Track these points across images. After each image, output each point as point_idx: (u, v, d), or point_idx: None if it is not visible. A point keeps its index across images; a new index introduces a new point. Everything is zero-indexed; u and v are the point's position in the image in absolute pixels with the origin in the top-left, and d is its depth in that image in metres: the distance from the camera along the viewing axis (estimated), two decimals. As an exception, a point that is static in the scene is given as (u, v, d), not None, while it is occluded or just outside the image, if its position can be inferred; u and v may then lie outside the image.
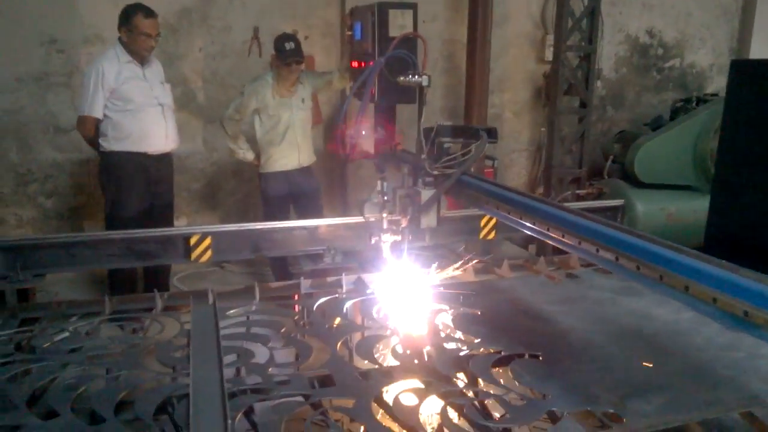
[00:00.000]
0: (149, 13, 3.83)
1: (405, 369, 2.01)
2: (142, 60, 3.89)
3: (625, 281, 2.86)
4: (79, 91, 4.01)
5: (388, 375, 1.97)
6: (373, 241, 2.78)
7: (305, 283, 2.84)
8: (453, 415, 1.74)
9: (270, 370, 1.97)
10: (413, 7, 3.13)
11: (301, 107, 4.32)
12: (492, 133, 2.57)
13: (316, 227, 3.53)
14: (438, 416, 1.73)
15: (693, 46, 6.67)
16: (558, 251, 3.92)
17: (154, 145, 3.95)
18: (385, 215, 2.73)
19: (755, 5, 6.65)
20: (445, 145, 2.56)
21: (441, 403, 1.78)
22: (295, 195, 4.43)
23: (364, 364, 2.06)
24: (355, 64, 3.70)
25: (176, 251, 3.30)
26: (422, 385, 1.88)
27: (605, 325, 2.34)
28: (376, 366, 2.05)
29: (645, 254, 1.56)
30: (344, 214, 5.22)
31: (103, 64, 3.76)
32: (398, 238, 2.70)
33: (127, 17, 3.80)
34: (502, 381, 1.91)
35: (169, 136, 4.01)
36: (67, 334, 2.26)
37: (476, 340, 2.21)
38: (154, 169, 4.00)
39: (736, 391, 1.88)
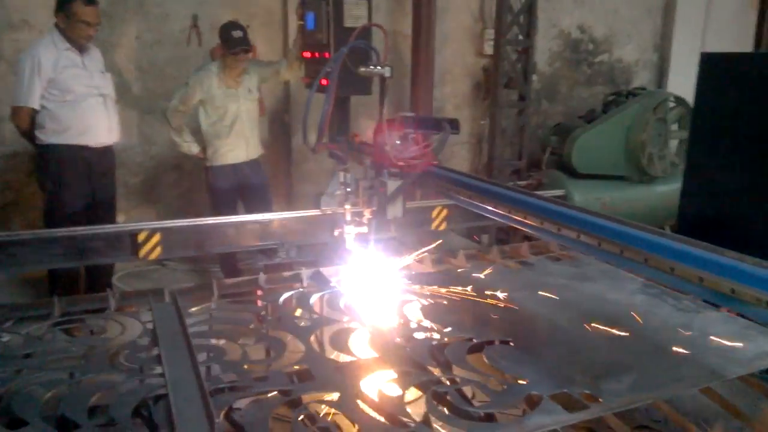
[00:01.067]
0: (90, 0, 3.62)
1: (381, 360, 2.01)
2: (80, 48, 3.67)
3: (578, 267, 2.98)
4: (13, 80, 3.74)
5: (365, 367, 1.96)
6: (336, 233, 2.75)
7: (263, 278, 2.78)
8: (435, 403, 1.75)
9: (245, 366, 1.93)
10: (367, -4, 3.14)
11: (248, 98, 4.21)
12: (454, 124, 2.59)
13: (269, 221, 3.47)
14: (423, 404, 1.74)
15: (620, 42, 6.98)
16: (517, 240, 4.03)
17: (95, 137, 3.75)
18: (347, 207, 2.71)
19: (676, 3, 7.03)
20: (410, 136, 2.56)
21: (421, 392, 1.79)
22: (243, 188, 4.32)
23: (339, 357, 2.04)
24: (307, 54, 3.65)
25: (123, 249, 3.15)
26: (400, 376, 1.88)
27: (566, 310, 2.41)
28: (353, 358, 2.03)
29: (627, 238, 1.62)
30: (290, 207, 5.14)
31: (39, 51, 3.52)
32: (362, 229, 2.69)
33: (65, 2, 3.57)
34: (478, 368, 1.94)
35: (112, 128, 3.81)
36: (19, 338, 2.12)
37: (446, 329, 2.23)
38: (96, 163, 3.80)
39: (696, 368, 1.98)
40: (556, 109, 6.75)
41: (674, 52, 7.26)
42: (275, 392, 1.77)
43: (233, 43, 4.02)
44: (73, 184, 3.70)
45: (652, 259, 1.53)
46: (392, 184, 2.51)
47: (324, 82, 3.38)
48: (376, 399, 1.76)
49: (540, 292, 2.55)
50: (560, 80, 6.72)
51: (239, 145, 4.23)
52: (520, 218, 2.15)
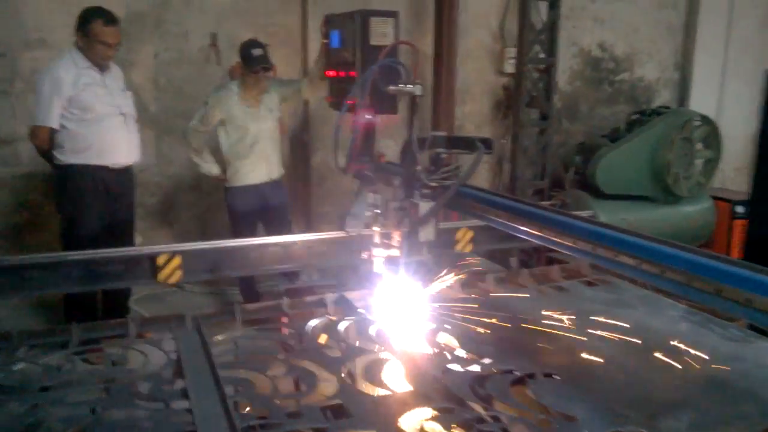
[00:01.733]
0: (110, 20, 3.55)
1: (418, 394, 1.88)
2: (101, 66, 3.60)
3: (614, 293, 2.85)
4: (32, 100, 3.67)
5: (402, 402, 1.84)
6: (365, 256, 2.65)
7: (287, 303, 2.68)
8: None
9: (276, 401, 1.81)
10: (395, 15, 3.04)
11: (269, 117, 4.13)
12: (487, 144, 2.50)
13: (291, 243, 3.37)
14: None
15: (641, 61, 6.89)
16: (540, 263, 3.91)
17: (115, 158, 3.66)
18: (376, 229, 2.61)
19: (697, 22, 6.95)
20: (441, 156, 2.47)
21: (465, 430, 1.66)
22: (263, 210, 4.22)
23: (374, 391, 1.92)
24: (331, 73, 3.57)
25: (142, 272, 3.04)
26: (440, 412, 1.76)
27: (607, 339, 2.28)
28: (388, 392, 1.91)
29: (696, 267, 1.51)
30: (309, 228, 5.05)
31: (59, 70, 3.46)
32: (392, 252, 2.58)
33: (85, 22, 3.50)
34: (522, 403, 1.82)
35: (132, 148, 3.72)
36: (36, 368, 2.02)
37: (485, 360, 2.11)
38: (115, 184, 3.71)
39: (758, 405, 1.85)
40: (577, 128, 6.64)
41: (696, 70, 7.16)
42: (309, 430, 1.66)
43: (253, 62, 3.95)
44: (92, 205, 3.61)
45: (726, 291, 1.41)
46: (424, 206, 2.41)
47: (351, 101, 3.32)
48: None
49: (577, 319, 2.41)
50: (581, 99, 6.63)
51: (260, 165, 4.14)
52: (563, 240, 2.04)
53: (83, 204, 3.60)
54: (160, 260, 3.07)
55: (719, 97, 7.35)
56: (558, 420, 1.73)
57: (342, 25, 3.26)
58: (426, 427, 1.69)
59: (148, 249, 3.07)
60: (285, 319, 2.59)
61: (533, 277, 3.11)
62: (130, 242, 3.83)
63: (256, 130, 4.08)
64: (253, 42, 4.09)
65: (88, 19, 3.52)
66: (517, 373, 2.00)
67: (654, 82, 7.05)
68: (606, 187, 5.40)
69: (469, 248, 3.93)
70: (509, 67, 5.88)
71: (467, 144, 2.50)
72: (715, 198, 6.09)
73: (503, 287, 2.98)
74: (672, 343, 2.21)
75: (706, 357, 2.11)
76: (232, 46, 4.90)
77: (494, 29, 5.92)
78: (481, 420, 1.70)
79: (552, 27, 5.27)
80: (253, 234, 4.13)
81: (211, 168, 4.17)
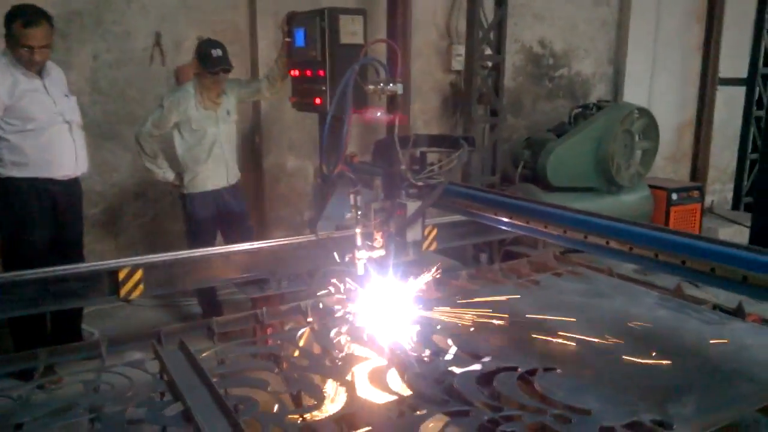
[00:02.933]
0: (31, 21, 3.20)
1: (427, 398, 1.83)
2: (38, 71, 3.31)
3: (589, 284, 2.90)
4: None
5: (414, 407, 1.79)
6: (347, 259, 2.57)
7: (265, 313, 2.56)
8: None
9: (288, 417, 1.72)
10: (363, 13, 2.98)
11: (226, 120, 3.96)
12: (470, 141, 2.48)
13: (257, 250, 3.26)
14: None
15: (578, 56, 7.11)
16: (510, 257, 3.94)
17: (61, 169, 3.39)
18: (358, 231, 2.53)
19: (629, 18, 7.24)
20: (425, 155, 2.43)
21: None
22: (223, 215, 4.04)
23: (381, 398, 1.86)
24: (295, 72, 3.47)
25: (101, 289, 2.90)
26: (457, 415, 1.71)
27: (597, 330, 2.30)
28: (395, 398, 1.85)
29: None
30: (265, 233, 4.91)
31: None
32: (375, 253, 2.51)
33: (7, 23, 3.19)
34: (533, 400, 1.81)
35: (79, 158, 3.44)
36: (6, 402, 1.83)
37: (485, 359, 2.08)
38: (62, 197, 3.45)
39: (752, 383, 1.91)
40: (521, 123, 6.79)
41: (628, 65, 7.46)
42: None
43: (213, 63, 3.77)
44: (37, 222, 3.34)
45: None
46: (412, 206, 2.36)
47: (318, 101, 3.23)
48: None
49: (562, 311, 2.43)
50: (523, 95, 6.77)
51: (219, 169, 3.97)
52: (553, 231, 2.06)
53: (28, 221, 3.32)
54: (122, 274, 2.91)
55: (649, 89, 7.70)
56: (573, 413, 1.72)
57: (307, 24, 3.17)
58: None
59: (107, 264, 2.91)
60: (269, 330, 2.49)
61: (504, 272, 3.13)
62: (79, 259, 3.55)
63: (214, 133, 3.90)
64: (212, 42, 3.92)
65: (9, 19, 3.22)
66: (520, 370, 1.98)
67: (590, 76, 7.29)
68: (555, 180, 5.53)
69: (434, 246, 3.93)
70: (457, 64, 5.94)
71: (451, 142, 2.48)
72: (652, 187, 6.37)
73: (477, 283, 2.97)
74: (657, 329, 2.27)
75: (693, 341, 2.18)
76: (177, 45, 4.71)
77: (441, 27, 5.95)
78: (500, 420, 1.67)
79: (499, 25, 5.34)
80: (212, 242, 3.96)
81: (166, 173, 3.96)
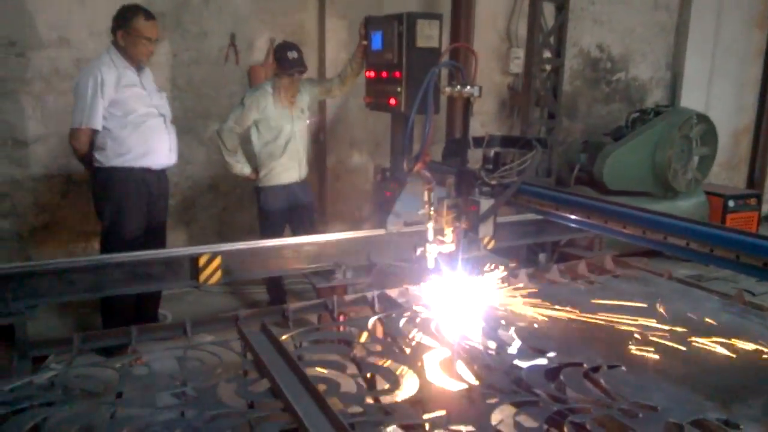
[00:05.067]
0: (150, 14, 3.53)
1: (493, 387, 1.94)
2: (138, 67, 3.58)
3: (648, 286, 2.95)
4: (74, 101, 3.58)
5: (486, 396, 1.90)
6: (418, 252, 2.70)
7: (336, 302, 2.72)
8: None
9: (368, 399, 1.86)
10: (439, 17, 3.11)
11: (301, 117, 4.17)
12: (543, 142, 2.59)
13: (325, 243, 3.41)
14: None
15: (635, 61, 7.07)
16: (564, 259, 4.00)
17: (157, 159, 3.63)
18: (430, 226, 2.66)
19: (689, 23, 7.15)
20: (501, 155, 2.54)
21: (555, 424, 1.72)
22: (293, 209, 4.24)
23: (452, 386, 1.98)
24: (371, 74, 3.62)
25: (182, 273, 3.09)
26: (526, 406, 1.81)
27: (656, 331, 2.35)
28: (466, 386, 1.97)
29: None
30: (325, 228, 5.09)
31: (101, 70, 3.41)
32: (445, 248, 2.64)
33: (125, 19, 3.47)
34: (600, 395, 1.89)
35: (172, 149, 3.70)
36: (111, 372, 2.03)
37: (550, 354, 2.18)
38: (156, 186, 3.69)
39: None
40: (576, 126, 6.79)
41: (686, 70, 7.37)
42: (407, 426, 1.72)
43: (289, 65, 3.98)
44: (134, 208, 3.58)
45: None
46: (485, 203, 2.48)
47: (393, 101, 3.37)
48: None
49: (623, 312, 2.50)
50: (580, 98, 6.77)
51: (292, 165, 4.17)
52: (626, 230, 2.14)
53: (126, 207, 3.57)
54: (201, 261, 3.09)
55: (707, 95, 7.59)
56: (640, 409, 1.80)
57: (385, 27, 3.32)
58: (520, 422, 1.74)
59: (188, 250, 3.09)
60: (341, 317, 2.64)
61: (562, 273, 3.20)
62: (163, 245, 3.81)
63: (289, 130, 4.10)
64: (288, 44, 4.12)
65: (128, 15, 3.49)
66: (586, 366, 2.07)
67: (647, 81, 7.24)
68: (611, 184, 5.54)
69: (492, 245, 4.02)
70: (515, 67, 6.01)
71: (524, 143, 2.58)
72: (708, 193, 6.30)
73: (537, 282, 3.05)
74: (722, 331, 2.32)
75: (757, 346, 2.23)
76: (250, 46, 4.92)
77: (501, 30, 6.02)
78: (565, 413, 1.75)
79: (560, 29, 5.39)
80: (281, 233, 4.15)
81: (244, 168, 4.18)
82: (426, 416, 1.77)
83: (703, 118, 5.96)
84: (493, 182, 2.49)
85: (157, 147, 3.61)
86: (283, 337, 2.32)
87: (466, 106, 2.61)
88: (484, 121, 6.12)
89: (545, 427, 1.71)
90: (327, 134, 5.22)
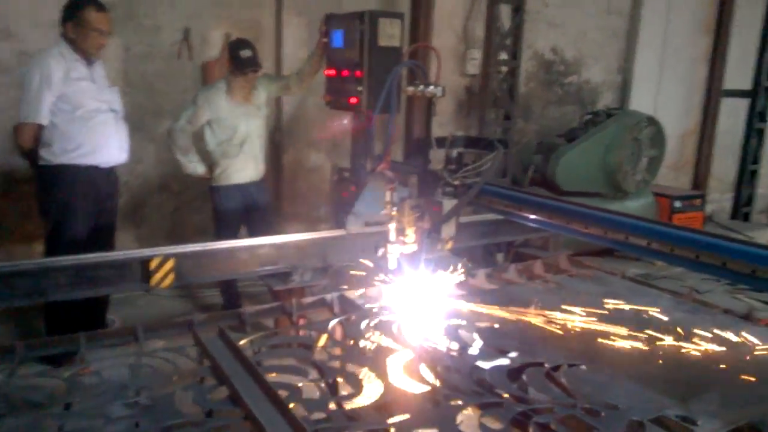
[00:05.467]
0: (101, 6, 3.38)
1: (456, 389, 1.93)
2: (88, 60, 3.43)
3: (604, 285, 3.00)
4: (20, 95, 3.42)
5: (448, 397, 1.89)
6: (380, 253, 2.68)
7: (295, 305, 2.66)
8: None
9: (331, 405, 1.82)
10: (401, 16, 3.09)
11: (257, 115, 4.07)
12: (505, 144, 2.60)
13: (282, 244, 3.35)
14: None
15: (588, 64, 7.23)
16: (520, 259, 4.05)
17: (106, 157, 3.48)
18: (392, 226, 2.64)
19: (639, 28, 7.36)
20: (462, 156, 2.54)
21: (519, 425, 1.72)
22: (249, 209, 4.15)
23: (415, 388, 1.96)
24: (332, 72, 3.57)
25: (133, 277, 2.98)
26: (488, 407, 1.81)
27: (614, 329, 2.39)
28: (428, 388, 1.95)
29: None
30: (281, 228, 5.00)
31: (49, 63, 3.25)
32: (407, 248, 2.62)
33: (75, 10, 3.31)
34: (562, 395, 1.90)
35: (123, 146, 3.55)
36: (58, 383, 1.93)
37: (512, 354, 2.19)
38: (104, 185, 3.54)
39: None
40: (530, 128, 6.90)
41: (636, 73, 7.59)
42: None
43: (243, 64, 3.89)
44: (80, 208, 3.42)
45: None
46: (448, 203, 2.48)
47: (354, 100, 3.34)
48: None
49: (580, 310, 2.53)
50: (534, 100, 6.88)
51: (248, 164, 4.08)
52: (591, 231, 2.17)
53: (72, 207, 3.41)
54: (153, 264, 2.99)
55: (655, 98, 7.83)
56: (602, 408, 1.82)
57: (346, 25, 3.28)
58: (485, 423, 1.74)
59: (139, 253, 2.99)
60: (300, 321, 2.58)
61: (519, 273, 3.23)
62: (112, 247, 3.65)
63: (245, 129, 4.01)
64: (242, 42, 4.03)
65: (78, 6, 3.34)
66: (547, 365, 2.09)
67: (599, 84, 7.41)
68: (565, 185, 5.64)
69: (450, 245, 4.02)
70: (472, 68, 6.05)
71: (486, 144, 2.59)
72: (655, 194, 6.50)
73: (495, 282, 3.07)
74: (675, 330, 2.38)
75: (710, 342, 2.28)
76: (204, 41, 4.80)
77: (458, 31, 6.05)
78: (528, 414, 1.75)
79: (516, 30, 5.45)
80: (237, 234, 4.06)
81: (196, 167, 4.06)
82: (390, 421, 1.75)
83: (652, 121, 6.14)
84: (456, 182, 2.49)
85: (106, 144, 3.46)
86: (241, 342, 2.26)
87: (428, 107, 2.60)
88: (441, 122, 6.14)
89: (510, 428, 1.71)
90: (283, 133, 5.14)
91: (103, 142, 3.44)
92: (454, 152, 2.56)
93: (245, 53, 3.89)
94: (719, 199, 8.61)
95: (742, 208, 7.82)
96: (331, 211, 5.42)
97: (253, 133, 4.05)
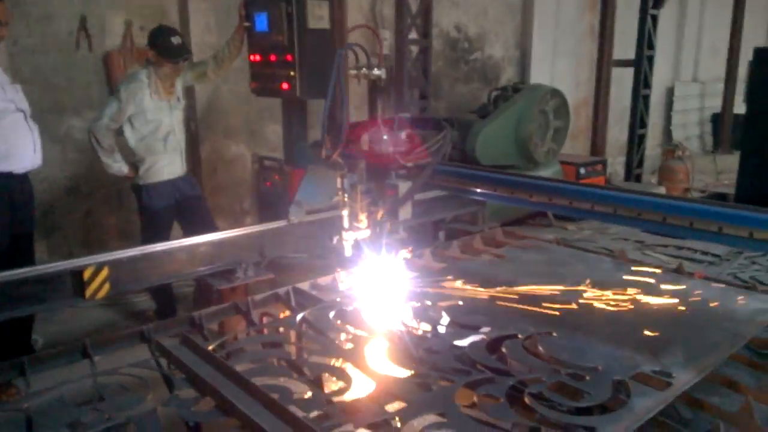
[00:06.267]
0: None
1: (446, 370, 1.92)
2: None
3: (546, 254, 3.12)
4: None
5: (437, 379, 1.88)
6: (335, 241, 2.61)
7: (252, 301, 2.55)
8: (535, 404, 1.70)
9: (327, 401, 1.76)
10: (327, -3, 3.00)
11: (177, 107, 3.82)
12: (451, 122, 2.60)
13: (221, 240, 3.20)
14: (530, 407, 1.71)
15: (490, 41, 7.42)
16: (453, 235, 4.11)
17: (20, 162, 3.13)
18: (345, 213, 2.58)
19: (533, 5, 7.64)
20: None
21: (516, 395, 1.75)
22: (180, 204, 3.90)
23: (403, 374, 1.94)
24: (257, 57, 3.38)
25: (64, 291, 2.75)
26: (482, 383, 1.82)
27: (571, 295, 2.47)
28: (418, 373, 1.93)
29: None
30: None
31: None
32: (361, 234, 2.57)
33: None
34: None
35: (37, 149, 3.18)
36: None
37: (484, 329, 2.21)
38: (18, 193, 3.19)
39: (721, 332, 2.16)
40: (441, 105, 7.00)
41: (533, 49, 7.90)
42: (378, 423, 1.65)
43: (175, 52, 3.62)
44: None
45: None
46: (403, 186, 2.45)
47: (285, 86, 3.20)
48: (483, 411, 1.70)
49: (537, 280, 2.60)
50: (443, 78, 6.98)
51: (175, 159, 3.83)
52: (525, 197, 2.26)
53: None
54: (87, 274, 2.77)
55: (551, 72, 8.20)
56: (585, 371, 1.88)
57: (270, 8, 3.12)
58: (483, 401, 1.74)
59: (70, 263, 2.75)
60: (264, 318, 2.48)
61: (462, 249, 3.29)
62: (31, 260, 3.30)
63: (169, 122, 3.75)
64: (169, 29, 3.78)
65: None
66: (520, 336, 2.13)
67: (500, 60, 7.64)
68: (483, 159, 5.79)
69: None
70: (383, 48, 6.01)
71: (436, 124, 2.58)
72: (562, 162, 6.83)
73: (444, 260, 3.10)
74: (623, 290, 2.50)
75: (658, 297, 2.43)
76: (103, 29, 4.43)
77: (366, 11, 5.99)
78: (522, 383, 1.79)
79: (426, 10, 5.47)
80: (169, 232, 3.80)
81: (122, 167, 3.75)
82: (390, 409, 1.72)
83: (556, 93, 6.42)
84: (409, 164, 2.46)
85: (19, 147, 3.10)
86: (210, 347, 2.14)
87: (373, 88, 2.55)
88: (357, 104, 6.07)
89: (507, 402, 1.73)
90: (198, 123, 4.88)
91: (15, 145, 3.07)
92: (403, 134, 2.53)
93: (176, 40, 3.65)
94: (612, 162, 9.20)
95: (634, 170, 8.37)
96: (255, 202, 5.25)
97: (176, 126, 3.81)
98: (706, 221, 1.85)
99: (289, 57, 3.03)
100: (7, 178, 3.10)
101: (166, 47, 3.63)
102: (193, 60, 4.01)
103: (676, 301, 2.42)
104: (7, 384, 2.01)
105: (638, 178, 8.53)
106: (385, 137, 2.33)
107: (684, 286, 2.58)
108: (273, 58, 3.20)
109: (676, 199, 2.03)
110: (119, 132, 3.68)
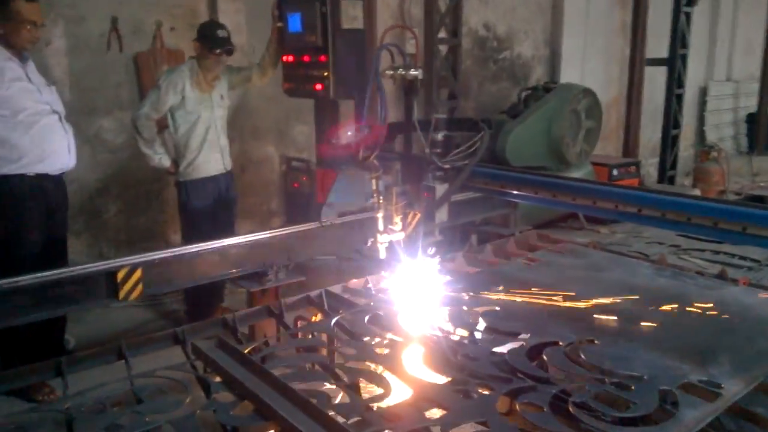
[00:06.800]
0: None
1: (482, 377, 1.87)
2: (21, 57, 3.07)
3: (584, 258, 3.03)
4: None
5: (480, 386, 1.83)
6: (369, 243, 2.58)
7: (284, 304, 2.53)
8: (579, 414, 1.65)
9: (366, 408, 1.72)
10: (361, -2, 2.97)
11: (220, 104, 3.81)
12: (488, 123, 2.56)
13: (254, 242, 3.18)
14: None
15: (519, 39, 7.32)
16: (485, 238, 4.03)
17: (56, 163, 3.14)
18: (380, 215, 2.54)
19: (563, 2, 7.52)
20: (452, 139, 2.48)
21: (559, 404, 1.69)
22: (218, 204, 3.90)
23: (442, 380, 1.89)
24: (290, 58, 3.37)
25: (99, 291, 2.75)
26: (524, 391, 1.77)
27: (616, 302, 2.40)
28: (458, 379, 1.88)
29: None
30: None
31: None
32: (396, 236, 2.54)
33: (3, 3, 2.95)
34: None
35: (71, 150, 3.21)
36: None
37: (523, 335, 2.16)
38: (54, 195, 3.20)
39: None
40: (469, 105, 6.91)
41: (564, 47, 7.77)
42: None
43: (219, 43, 3.63)
44: (30, 222, 3.08)
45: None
46: (440, 188, 2.41)
47: (319, 87, 3.19)
48: (528, 419, 1.65)
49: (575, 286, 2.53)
50: (471, 77, 6.90)
51: (215, 156, 3.82)
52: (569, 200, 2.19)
53: (21, 221, 3.06)
54: (120, 275, 2.77)
55: (582, 71, 8.06)
56: (630, 381, 1.82)
57: (303, 8, 3.10)
58: (526, 409, 1.69)
59: (104, 265, 2.75)
60: (299, 322, 2.45)
61: (495, 253, 3.22)
62: (65, 261, 3.31)
63: (208, 117, 3.74)
64: (217, 23, 3.81)
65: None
66: (561, 343, 2.07)
67: (530, 59, 7.54)
68: (514, 160, 5.69)
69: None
70: (410, 47, 5.95)
71: (470, 125, 2.54)
72: (594, 163, 6.70)
73: (474, 264, 3.03)
74: (665, 296, 2.42)
75: (702, 304, 2.33)
76: (135, 31, 4.46)
77: (394, 9, 5.94)
78: (561, 395, 1.72)
79: (455, 9, 5.41)
80: (210, 232, 3.77)
81: (162, 160, 3.76)
82: (431, 416, 1.67)
83: (588, 92, 6.30)
84: (446, 166, 2.42)
85: (54, 149, 3.12)
86: (245, 351, 2.11)
87: (409, 89, 2.52)
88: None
89: (550, 412, 1.67)
90: (231, 123, 4.88)
91: (50, 147, 3.09)
92: (440, 135, 2.50)
93: (222, 32, 3.66)
94: (645, 164, 9.02)
95: (667, 172, 8.19)
96: (282, 203, 5.24)
97: (218, 122, 3.81)
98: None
99: (322, 58, 3.00)
100: (43, 179, 3.12)
101: (210, 37, 3.65)
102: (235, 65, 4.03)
103: (720, 308, 2.33)
104: (40, 383, 2.01)
105: (671, 180, 8.36)
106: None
107: (727, 292, 2.50)
108: (306, 59, 3.18)
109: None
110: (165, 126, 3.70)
